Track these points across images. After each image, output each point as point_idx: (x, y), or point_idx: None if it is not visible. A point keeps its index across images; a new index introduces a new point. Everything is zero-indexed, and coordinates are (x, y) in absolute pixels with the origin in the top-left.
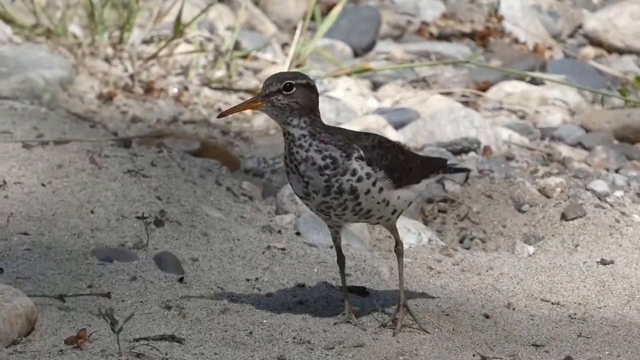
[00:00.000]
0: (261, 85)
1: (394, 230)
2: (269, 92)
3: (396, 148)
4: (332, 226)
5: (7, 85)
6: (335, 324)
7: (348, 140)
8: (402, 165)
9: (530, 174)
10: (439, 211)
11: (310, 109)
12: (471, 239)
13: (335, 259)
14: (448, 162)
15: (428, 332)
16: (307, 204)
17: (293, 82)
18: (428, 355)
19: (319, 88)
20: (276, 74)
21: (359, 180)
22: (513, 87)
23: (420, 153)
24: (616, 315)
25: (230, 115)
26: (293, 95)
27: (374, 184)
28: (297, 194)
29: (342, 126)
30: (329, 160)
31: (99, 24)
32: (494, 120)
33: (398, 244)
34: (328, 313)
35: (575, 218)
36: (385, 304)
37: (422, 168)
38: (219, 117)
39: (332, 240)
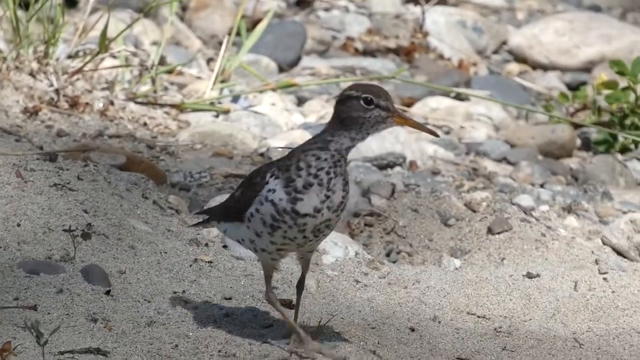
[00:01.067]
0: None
1: (309, 262)
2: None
3: None
4: (277, 259)
5: None
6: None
7: None
8: None
9: (456, 189)
10: (366, 225)
11: None
12: (398, 253)
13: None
14: None
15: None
16: (296, 225)
17: None
18: None
19: (244, 103)
20: (376, 86)
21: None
22: (438, 103)
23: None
24: (541, 328)
25: (155, 130)
26: None
27: None
28: (295, 212)
29: (267, 141)
30: (347, 177)
31: (24, 38)
32: (419, 136)
33: (304, 276)
34: (254, 326)
35: (501, 232)
36: (312, 317)
37: None
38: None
39: (269, 281)
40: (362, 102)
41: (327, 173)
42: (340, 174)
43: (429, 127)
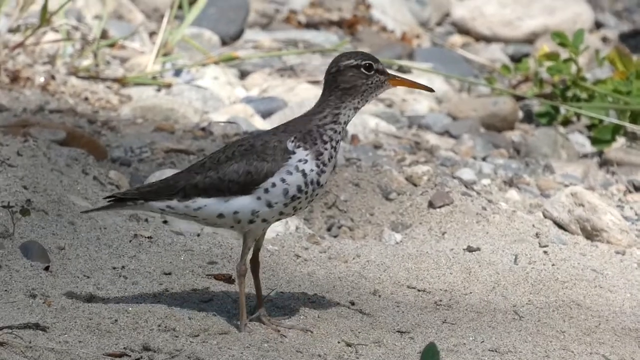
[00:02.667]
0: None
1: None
2: None
3: None
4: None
5: None
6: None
7: None
8: None
9: (398, 163)
10: None
11: None
12: (339, 227)
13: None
14: None
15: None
16: (311, 195)
17: None
18: (293, 343)
19: (187, 77)
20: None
21: None
22: None
23: None
24: (481, 301)
25: (97, 104)
26: None
27: None
28: (318, 183)
29: (209, 115)
30: None
31: None
32: (361, 110)
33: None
34: (194, 300)
35: (442, 206)
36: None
37: None
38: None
39: (247, 251)
40: (362, 69)
41: (337, 142)
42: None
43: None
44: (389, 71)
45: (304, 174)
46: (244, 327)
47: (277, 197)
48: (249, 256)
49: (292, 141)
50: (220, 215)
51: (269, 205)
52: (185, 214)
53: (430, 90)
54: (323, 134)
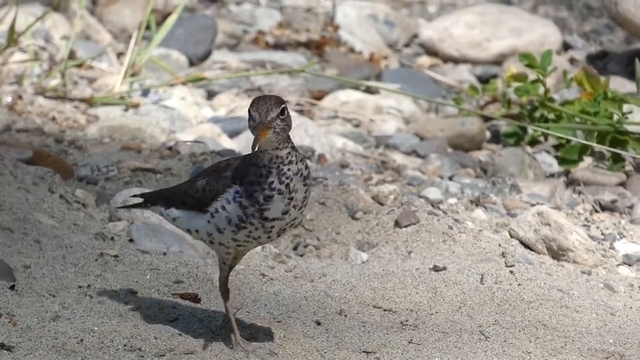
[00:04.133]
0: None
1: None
2: (271, 119)
3: None
4: (231, 254)
5: None
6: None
7: None
8: None
9: (364, 182)
10: None
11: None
12: (305, 246)
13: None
14: None
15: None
16: (263, 227)
17: (285, 105)
18: None
19: (154, 97)
20: (263, 99)
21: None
22: (348, 96)
23: None
24: (447, 321)
25: (64, 124)
26: (286, 119)
27: None
28: (263, 218)
29: (177, 135)
30: (308, 170)
31: None
32: (328, 129)
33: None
34: (159, 320)
35: (408, 225)
36: (217, 310)
37: None
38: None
39: (224, 273)
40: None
41: (281, 182)
42: (295, 173)
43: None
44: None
45: (242, 206)
46: (237, 345)
47: (222, 224)
48: (224, 279)
49: (231, 173)
50: (188, 231)
51: (219, 230)
52: (171, 222)
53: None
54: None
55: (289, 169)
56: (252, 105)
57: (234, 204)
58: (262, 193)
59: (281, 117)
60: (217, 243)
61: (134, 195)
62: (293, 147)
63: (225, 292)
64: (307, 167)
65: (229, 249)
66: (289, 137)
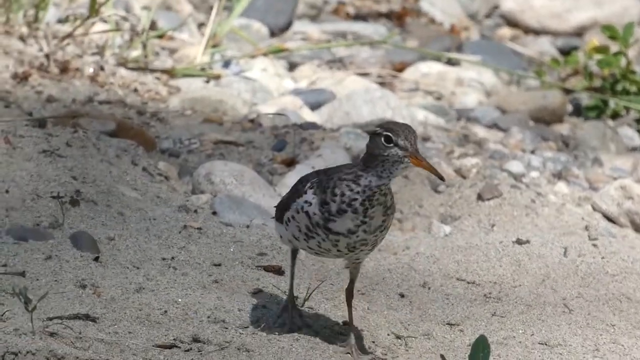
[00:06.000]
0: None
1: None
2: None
3: None
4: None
5: None
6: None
7: None
8: None
9: (447, 155)
10: None
11: None
12: None
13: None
14: None
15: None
16: (329, 239)
17: None
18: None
19: (235, 68)
20: (407, 127)
21: None
22: (429, 68)
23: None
24: (531, 294)
25: (146, 96)
26: None
27: None
28: (327, 229)
29: (258, 107)
30: (392, 201)
31: (13, 2)
32: (409, 101)
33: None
34: (243, 292)
35: (491, 198)
36: (301, 282)
37: None
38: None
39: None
40: (383, 139)
41: (362, 204)
42: (380, 204)
43: (438, 169)
44: (416, 149)
45: (308, 215)
46: (354, 351)
47: (295, 231)
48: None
49: (310, 182)
50: (280, 237)
51: (295, 237)
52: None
53: (442, 179)
54: (336, 187)
55: (378, 198)
56: (397, 132)
57: (302, 213)
58: (337, 205)
59: None
60: (307, 247)
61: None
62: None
63: (347, 296)
64: (392, 198)
65: (319, 254)
66: None
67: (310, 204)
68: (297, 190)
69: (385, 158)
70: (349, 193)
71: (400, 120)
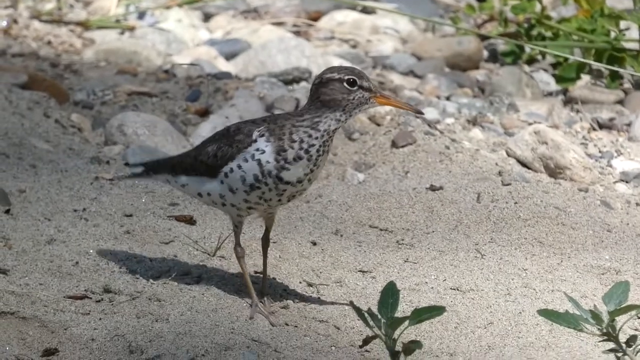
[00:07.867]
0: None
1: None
2: None
3: None
4: (243, 216)
5: None
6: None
7: None
8: None
9: None
10: None
11: None
12: None
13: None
14: None
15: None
16: (276, 189)
17: None
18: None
19: (150, 20)
20: (358, 68)
21: None
22: (345, 17)
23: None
24: (444, 240)
25: (60, 48)
26: None
27: None
28: (278, 178)
29: (173, 58)
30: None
31: None
32: (325, 50)
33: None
34: (155, 242)
35: (405, 145)
36: (213, 232)
37: None
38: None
39: (237, 235)
40: (345, 84)
41: (317, 151)
42: (326, 152)
43: (407, 103)
44: (379, 88)
45: (260, 164)
46: (255, 308)
47: (236, 184)
48: (238, 239)
49: (259, 130)
50: (199, 195)
51: (231, 190)
52: (179, 189)
53: (420, 113)
54: (293, 133)
55: (330, 143)
56: (360, 75)
57: (251, 161)
58: (296, 152)
59: None
60: (229, 204)
61: (134, 165)
62: None
63: (240, 252)
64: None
65: (241, 210)
66: None
67: (264, 151)
68: (234, 140)
69: (349, 101)
70: (307, 139)
71: (315, 68)
